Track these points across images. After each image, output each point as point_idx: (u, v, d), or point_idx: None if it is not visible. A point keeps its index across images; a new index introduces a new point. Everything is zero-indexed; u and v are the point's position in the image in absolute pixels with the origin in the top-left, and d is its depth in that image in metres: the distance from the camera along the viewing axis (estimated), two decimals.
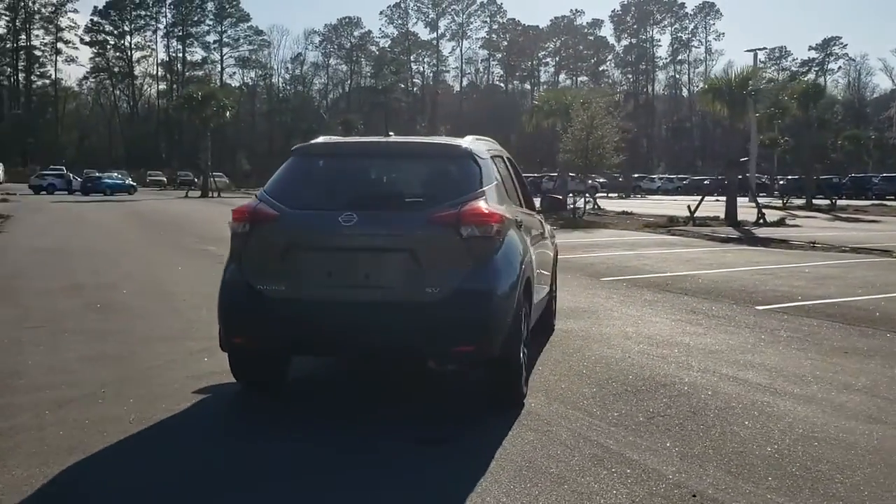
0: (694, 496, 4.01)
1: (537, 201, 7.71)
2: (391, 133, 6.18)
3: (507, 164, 6.73)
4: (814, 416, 5.37)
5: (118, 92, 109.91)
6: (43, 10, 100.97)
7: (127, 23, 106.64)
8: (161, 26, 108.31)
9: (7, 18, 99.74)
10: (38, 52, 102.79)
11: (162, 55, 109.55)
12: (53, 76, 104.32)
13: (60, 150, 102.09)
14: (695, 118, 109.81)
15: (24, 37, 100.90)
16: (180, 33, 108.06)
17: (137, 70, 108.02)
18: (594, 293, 10.83)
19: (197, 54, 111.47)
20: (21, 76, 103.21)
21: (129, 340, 7.49)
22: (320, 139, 6.21)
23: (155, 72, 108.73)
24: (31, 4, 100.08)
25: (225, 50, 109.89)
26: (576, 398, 5.71)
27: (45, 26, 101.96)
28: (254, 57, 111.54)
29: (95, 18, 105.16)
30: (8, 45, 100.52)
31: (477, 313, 5.01)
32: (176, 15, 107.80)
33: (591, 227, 24.04)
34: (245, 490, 4.07)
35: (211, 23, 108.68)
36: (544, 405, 5.54)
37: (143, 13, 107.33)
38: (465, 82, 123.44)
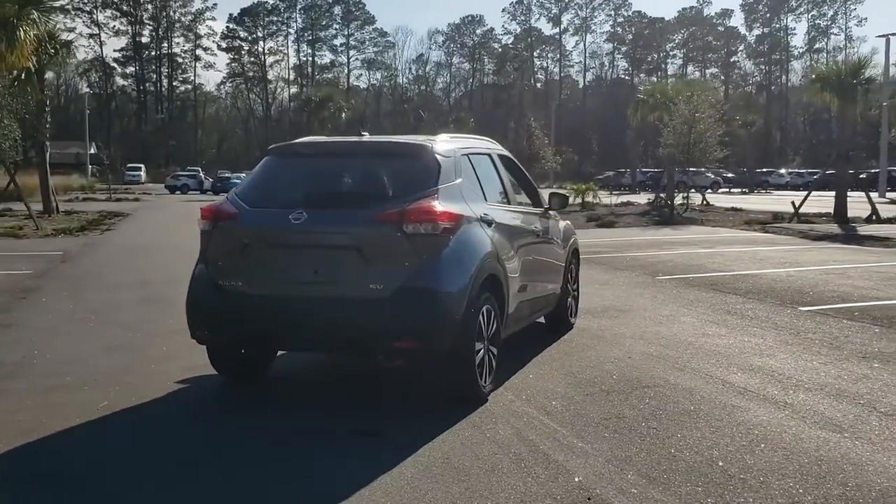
0: (589, 499, 3.93)
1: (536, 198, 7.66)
2: (364, 133, 6.29)
3: (497, 162, 6.70)
4: (778, 422, 5.12)
5: (253, 95, 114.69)
6: (183, 18, 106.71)
7: (260, 29, 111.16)
8: (292, 31, 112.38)
9: (151, 27, 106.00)
10: (179, 59, 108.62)
11: (293, 59, 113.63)
12: (193, 81, 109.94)
13: (201, 152, 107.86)
14: (834, 110, 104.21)
15: (166, 45, 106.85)
16: (310, 37, 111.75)
17: (271, 74, 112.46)
18: (639, 292, 10.60)
19: (325, 57, 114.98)
20: (165, 82, 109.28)
21: (155, 332, 7.92)
22: (300, 140, 6.40)
23: (287, 75, 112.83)
24: (172, 14, 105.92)
25: (351, 52, 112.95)
26: (543, 398, 5.66)
27: (185, 34, 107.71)
28: (379, 58, 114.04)
29: (231, 25, 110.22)
30: (152, 54, 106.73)
31: (418, 310, 5.07)
32: (306, 20, 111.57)
33: (684, 224, 23.38)
34: (165, 477, 4.28)
35: (338, 26, 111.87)
36: (506, 403, 5.52)
37: (275, 19, 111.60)
38: (589, 77, 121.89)
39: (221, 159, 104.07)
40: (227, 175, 58.77)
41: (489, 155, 6.67)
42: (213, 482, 4.19)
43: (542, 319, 7.88)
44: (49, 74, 34.07)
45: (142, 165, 78.78)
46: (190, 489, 4.09)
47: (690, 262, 13.88)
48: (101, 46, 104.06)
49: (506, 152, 7.36)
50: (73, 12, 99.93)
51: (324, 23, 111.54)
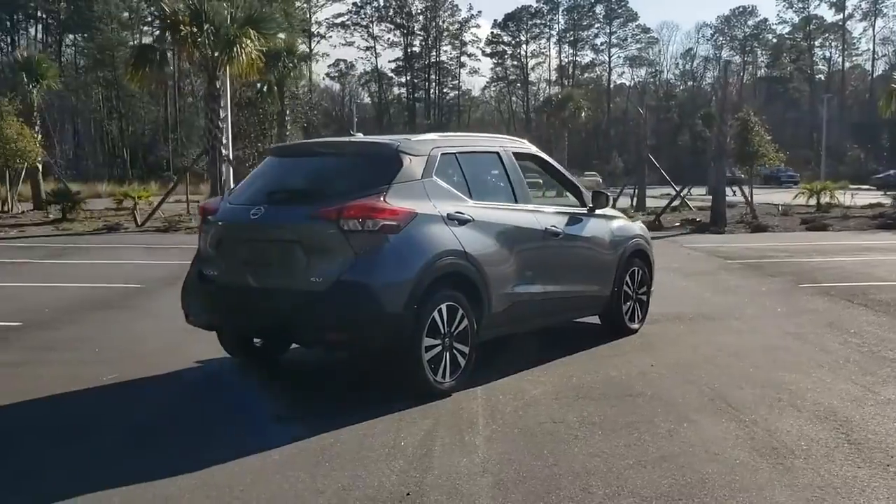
0: (408, 494, 3.95)
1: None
2: (352, 132, 6.54)
3: (507, 161, 6.62)
4: (710, 442, 4.72)
5: (515, 98, 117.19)
6: (451, 27, 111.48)
7: (523, 32, 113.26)
8: (554, 33, 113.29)
9: (421, 38, 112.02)
10: (446, 67, 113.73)
11: (554, 60, 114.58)
12: (459, 87, 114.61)
13: None
14: None
15: (434, 53, 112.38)
16: (571, 38, 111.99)
17: (532, 76, 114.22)
18: (758, 300, 9.85)
19: (587, 57, 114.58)
20: (433, 89, 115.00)
21: None
22: (293, 142, 6.81)
23: (548, 76, 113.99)
24: (441, 24, 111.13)
25: (613, 50, 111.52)
26: (506, 398, 5.59)
27: (452, 42, 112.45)
28: (642, 55, 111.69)
29: (495, 31, 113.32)
30: (422, 63, 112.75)
31: (350, 304, 5.28)
32: (568, 21, 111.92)
33: None
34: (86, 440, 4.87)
35: (599, 25, 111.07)
36: (460, 401, 5.52)
37: (537, 22, 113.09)
38: (881, 66, 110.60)
39: None
40: None
41: (497, 153, 6.64)
42: (147, 441, 4.71)
43: (595, 320, 7.70)
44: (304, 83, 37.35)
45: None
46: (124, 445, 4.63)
47: (859, 270, 12.51)
48: (376, 58, 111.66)
49: (530, 151, 7.26)
50: (351, 27, 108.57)
51: (585, 23, 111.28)
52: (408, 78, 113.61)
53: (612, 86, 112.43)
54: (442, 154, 6.08)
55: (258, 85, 27.60)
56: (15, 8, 76.79)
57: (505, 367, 6.35)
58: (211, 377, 6.35)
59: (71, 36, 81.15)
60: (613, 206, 24.96)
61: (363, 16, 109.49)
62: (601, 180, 68.67)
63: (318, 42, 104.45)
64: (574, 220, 7.16)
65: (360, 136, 6.36)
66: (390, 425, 5.01)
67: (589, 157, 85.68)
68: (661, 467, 4.30)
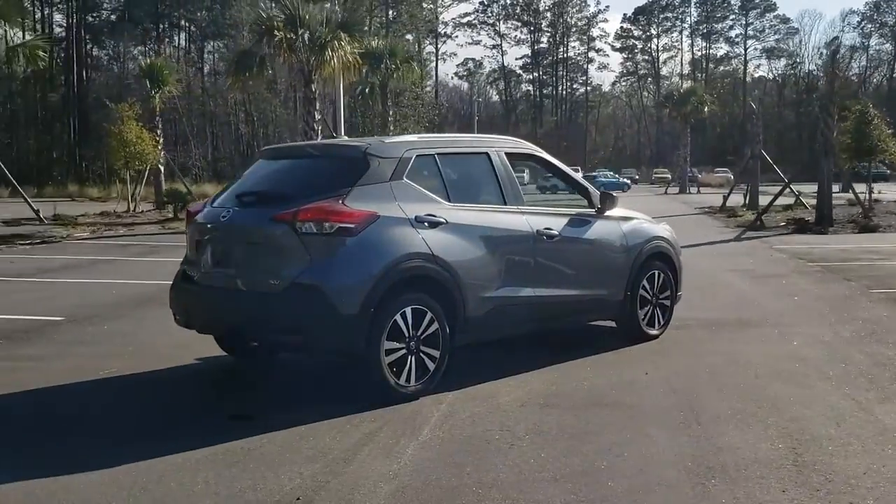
0: (298, 499, 3.97)
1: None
2: (334, 134, 6.59)
3: (497, 163, 6.48)
4: (647, 458, 4.50)
5: (646, 93, 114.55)
6: (578, 23, 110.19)
7: (654, 26, 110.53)
8: (686, 26, 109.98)
9: (549, 34, 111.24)
10: (573, 63, 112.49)
11: (687, 54, 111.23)
12: (586, 83, 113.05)
13: (593, 152, 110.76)
14: None
15: (562, 50, 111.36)
16: (704, 31, 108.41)
17: (664, 70, 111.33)
18: (814, 305, 9.28)
19: (721, 49, 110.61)
20: (562, 86, 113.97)
21: None
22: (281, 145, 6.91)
23: (681, 70, 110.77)
24: (568, 20, 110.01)
25: (749, 42, 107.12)
26: (472, 407, 5.45)
27: (580, 38, 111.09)
28: (780, 46, 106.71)
29: (625, 25, 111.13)
30: (550, 59, 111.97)
31: (303, 306, 5.34)
32: (701, 13, 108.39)
33: None
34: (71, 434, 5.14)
35: (735, 16, 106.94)
36: (420, 407, 5.44)
37: (669, 15, 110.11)
38: None
39: (614, 159, 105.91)
40: (593, 174, 59.84)
41: (486, 154, 6.53)
42: (84, 435, 4.89)
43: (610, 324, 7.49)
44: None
45: (525, 168, 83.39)
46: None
47: None
48: (502, 56, 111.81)
49: (527, 151, 7.13)
50: (478, 26, 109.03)
51: (719, 14, 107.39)
52: (535, 75, 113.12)
53: (748, 79, 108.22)
54: (417, 156, 6.05)
55: (360, 87, 28.12)
56: (160, 17, 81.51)
57: (493, 371, 6.27)
58: (196, 374, 6.55)
59: (212, 43, 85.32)
60: (724, 206, 23.53)
61: (489, 14, 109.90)
62: (731, 175, 66.18)
63: (445, 42, 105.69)
64: (575, 221, 6.96)
65: (342, 139, 6.42)
66: (333, 428, 5.03)
67: (723, 154, 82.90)
68: (574, 482, 4.14)
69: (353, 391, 5.83)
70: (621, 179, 59.71)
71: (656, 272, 7.59)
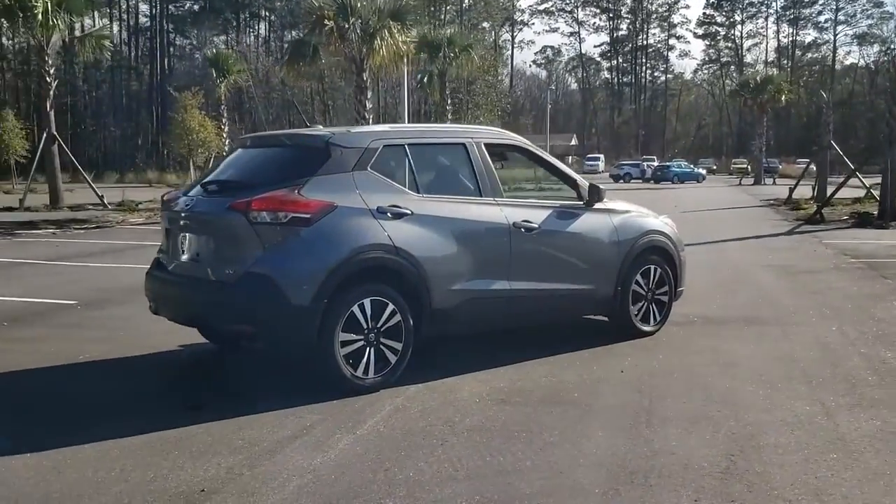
0: (202, 491, 3.99)
1: None
2: (309, 124, 6.57)
3: (475, 154, 6.36)
4: (572, 459, 4.37)
5: (730, 81, 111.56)
6: (659, 9, 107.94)
7: (738, 12, 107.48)
8: (772, 11, 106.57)
9: (628, 21, 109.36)
10: (653, 50, 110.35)
11: (772, 41, 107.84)
12: (666, 71, 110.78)
13: (673, 141, 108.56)
14: None
15: (641, 37, 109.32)
16: (791, 16, 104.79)
17: (748, 58, 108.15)
18: (835, 304, 8.88)
19: (809, 36, 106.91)
20: (642, 74, 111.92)
21: None
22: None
23: (765, 58, 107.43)
24: (649, 6, 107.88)
25: (839, 28, 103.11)
26: (428, 402, 5.38)
27: (661, 24, 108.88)
28: (873, 31, 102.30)
29: (707, 11, 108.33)
30: (628, 47, 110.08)
31: (254, 296, 5.36)
32: None
33: None
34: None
35: (824, 1, 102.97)
36: (374, 400, 5.40)
37: (754, 1, 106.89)
38: None
39: (696, 147, 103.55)
40: (667, 164, 58.68)
41: (463, 145, 6.42)
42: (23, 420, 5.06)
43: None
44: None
45: (601, 156, 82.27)
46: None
47: None
48: (580, 43, 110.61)
49: (511, 142, 6.98)
50: (555, 13, 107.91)
51: (806, 0, 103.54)
52: (614, 63, 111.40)
53: (837, 66, 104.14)
54: (385, 146, 5.99)
55: (419, 75, 28.15)
56: (240, 7, 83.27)
57: (465, 365, 6.21)
58: (170, 361, 6.62)
59: (291, 32, 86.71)
60: (790, 198, 22.64)
61: (567, 1, 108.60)
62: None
63: (521, 30, 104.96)
64: (559, 214, 6.80)
65: (317, 129, 6.41)
66: (275, 419, 5.03)
67: (808, 144, 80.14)
68: (485, 482, 4.05)
69: (315, 382, 5.83)
70: (696, 169, 58.30)
71: (652, 267, 7.37)
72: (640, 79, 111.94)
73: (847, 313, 8.30)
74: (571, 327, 7.55)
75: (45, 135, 23.33)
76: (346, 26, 20.61)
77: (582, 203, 6.97)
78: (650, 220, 7.53)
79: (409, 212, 5.84)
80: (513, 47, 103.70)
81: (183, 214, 5.92)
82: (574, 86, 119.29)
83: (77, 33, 23.78)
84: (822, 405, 5.24)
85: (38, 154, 23.34)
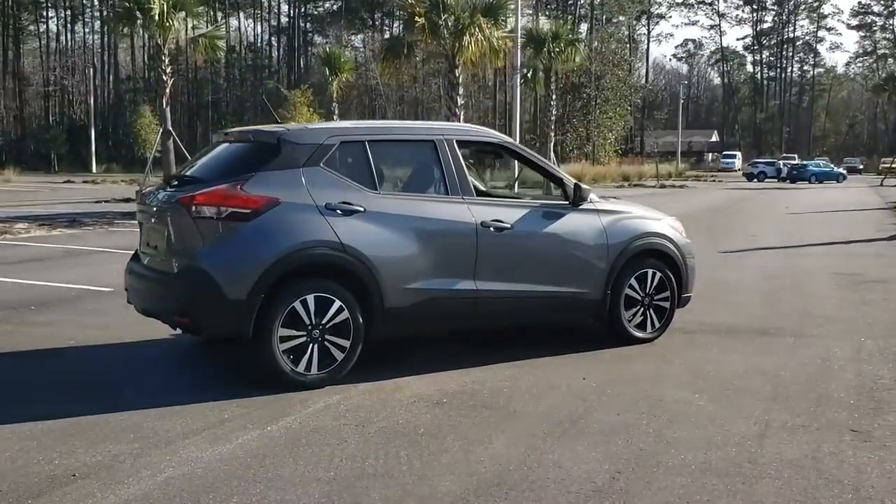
0: (73, 476, 4.10)
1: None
2: (279, 121, 6.61)
3: (445, 151, 6.22)
4: (452, 466, 4.24)
5: (883, 74, 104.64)
6: (808, 0, 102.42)
7: None
8: None
9: (774, 13, 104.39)
10: (801, 43, 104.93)
11: None
12: (814, 64, 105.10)
13: (821, 138, 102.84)
14: None
15: (789, 28, 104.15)
16: None
17: None
18: (879, 317, 8.18)
19: None
20: (788, 67, 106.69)
21: None
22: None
23: None
24: None
25: None
26: (363, 401, 5.35)
27: (809, 16, 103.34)
28: None
29: (864, 0, 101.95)
30: (775, 39, 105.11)
31: (190, 289, 5.51)
32: None
33: None
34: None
35: None
36: (305, 398, 5.38)
37: None
38: None
39: (847, 145, 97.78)
40: (804, 163, 55.63)
41: (432, 142, 6.31)
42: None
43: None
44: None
45: (737, 153, 78.91)
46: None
47: None
48: (720, 36, 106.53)
49: (488, 140, 6.84)
50: (695, 6, 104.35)
51: None
52: (759, 56, 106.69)
53: None
54: (342, 143, 5.99)
55: (523, 71, 27.86)
56: (376, 6, 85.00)
57: (432, 365, 6.17)
58: (149, 349, 6.83)
59: None
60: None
61: None
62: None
63: (657, 23, 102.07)
64: (537, 214, 6.59)
65: (290, 126, 6.46)
66: (199, 411, 5.11)
67: None
68: (343, 485, 3.98)
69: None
70: (836, 169, 54.96)
71: (649, 271, 7.03)
72: (787, 73, 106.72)
73: (882, 328, 7.63)
74: (566, 331, 7.34)
75: (161, 130, 24.65)
76: (439, 22, 20.69)
77: (567, 203, 6.73)
78: (648, 223, 7.17)
79: (361, 209, 5.81)
80: (648, 41, 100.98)
81: (148, 209, 6.13)
82: (717, 80, 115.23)
83: (193, 34, 24.88)
84: (765, 425, 4.86)
85: (154, 149, 24.72)
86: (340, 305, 5.68)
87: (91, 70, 64.63)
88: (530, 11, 37.90)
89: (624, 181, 48.28)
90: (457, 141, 6.44)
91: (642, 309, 7.02)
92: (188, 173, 6.19)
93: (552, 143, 29.09)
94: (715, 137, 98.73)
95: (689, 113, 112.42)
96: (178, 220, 5.67)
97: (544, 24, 30.19)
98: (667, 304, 7.14)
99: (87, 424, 4.87)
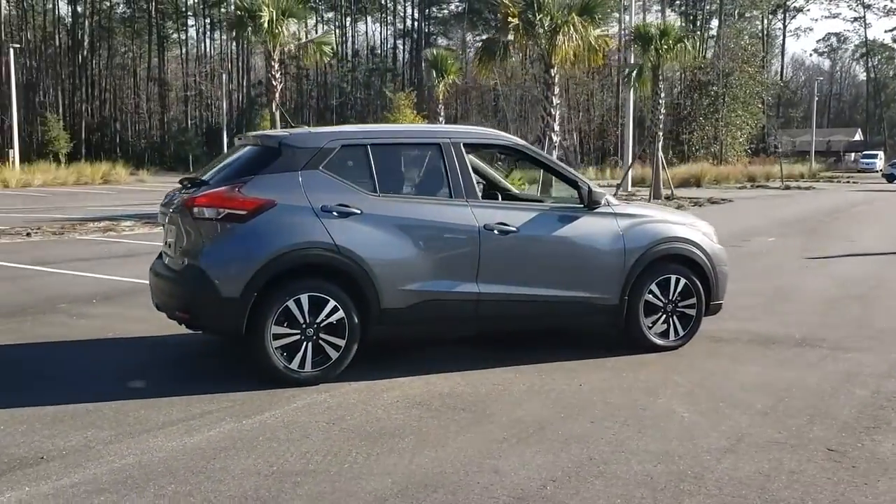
0: (42, 458, 4.40)
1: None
2: (293, 124, 6.77)
3: (451, 155, 6.25)
4: (381, 468, 4.28)
5: None
6: None
7: None
8: None
9: None
10: None
11: None
12: None
13: None
14: None
15: None
16: None
17: None
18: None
19: None
20: None
21: None
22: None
23: None
24: None
25: None
26: (345, 400, 5.46)
27: None
28: None
29: None
30: None
31: (188, 286, 5.80)
32: None
33: None
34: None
35: None
36: (293, 394, 5.53)
37: None
38: None
39: None
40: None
41: (438, 146, 6.34)
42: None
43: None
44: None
45: (879, 153, 74.21)
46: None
47: None
48: (865, 29, 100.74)
49: (499, 142, 6.83)
50: None
51: None
52: None
53: None
54: (343, 146, 6.12)
55: (628, 70, 27.21)
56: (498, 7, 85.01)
57: (435, 366, 6.23)
58: (172, 344, 7.14)
59: None
60: None
61: None
62: None
63: (794, 17, 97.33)
64: (547, 217, 6.54)
65: (295, 130, 6.63)
66: (187, 402, 5.35)
67: None
68: (277, 480, 4.10)
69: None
70: None
71: (673, 277, 6.82)
72: None
73: None
74: (590, 337, 7.23)
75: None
76: (535, 22, 20.57)
77: (582, 206, 6.62)
78: (671, 227, 6.95)
79: (358, 211, 5.92)
80: (785, 36, 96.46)
81: (165, 210, 6.45)
82: (862, 76, 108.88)
83: (303, 38, 25.77)
84: (738, 440, 4.66)
85: None
86: (335, 305, 5.81)
87: (225, 75, 67.64)
88: (658, 8, 36.82)
89: (748, 182, 46.39)
90: (465, 144, 6.46)
91: (665, 316, 6.82)
92: (203, 176, 6.46)
93: (660, 143, 28.32)
94: (858, 136, 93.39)
95: (831, 111, 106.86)
96: (184, 221, 5.95)
97: (652, 21, 29.41)
98: (692, 312, 6.91)
99: (78, 411, 5.19)
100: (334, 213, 5.86)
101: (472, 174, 6.45)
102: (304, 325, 5.76)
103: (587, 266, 6.58)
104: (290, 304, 5.72)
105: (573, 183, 6.74)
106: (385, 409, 5.29)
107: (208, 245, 5.77)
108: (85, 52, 74.76)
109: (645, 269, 6.71)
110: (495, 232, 6.25)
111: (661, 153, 28.27)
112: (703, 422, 4.99)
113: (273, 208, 5.76)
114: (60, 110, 67.91)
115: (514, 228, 6.31)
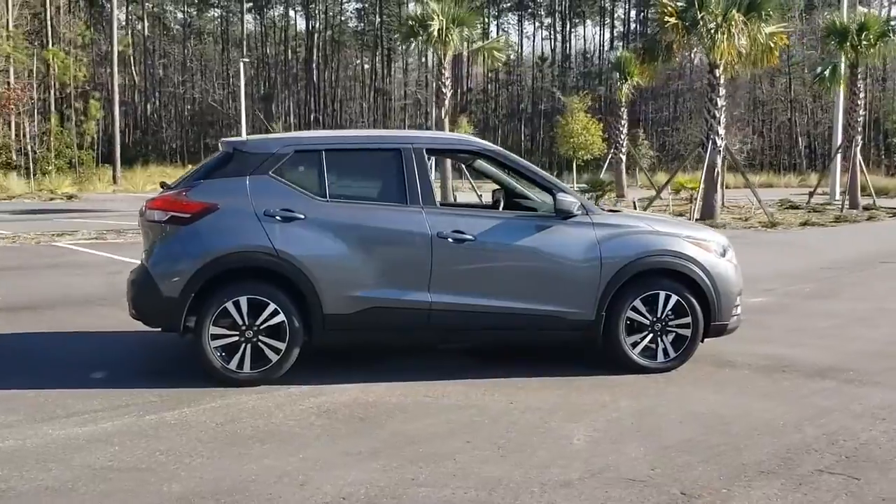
0: None
1: None
2: (272, 127, 6.81)
3: (412, 161, 6.07)
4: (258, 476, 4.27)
5: None
6: None
7: None
8: None
9: None
10: None
11: None
12: None
13: None
14: None
15: None
16: None
17: None
18: None
19: None
20: None
21: None
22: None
23: None
24: None
25: None
26: (259, 405, 5.43)
27: None
28: None
29: None
30: None
31: (134, 287, 6.10)
32: None
33: None
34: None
35: None
36: (226, 393, 5.63)
37: None
38: None
39: None
40: None
41: (398, 151, 6.20)
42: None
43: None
44: None
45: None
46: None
47: None
48: None
49: (469, 147, 6.57)
50: None
51: None
52: None
53: None
54: (296, 152, 6.15)
55: (820, 69, 24.82)
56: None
57: (384, 376, 6.13)
58: (160, 337, 7.14)
59: None
60: None
61: None
62: None
63: None
64: (510, 225, 6.18)
65: (252, 136, 6.73)
66: (117, 396, 5.57)
67: None
68: (131, 482, 4.13)
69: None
70: None
71: (662, 293, 6.23)
72: None
73: None
74: (577, 353, 6.74)
75: None
76: (697, 19, 19.46)
77: (552, 214, 6.22)
78: (662, 239, 6.31)
79: (301, 216, 5.94)
80: None
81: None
82: None
83: (476, 45, 26.07)
84: (589, 475, 4.16)
85: None
86: (275, 308, 5.85)
87: (435, 84, 69.75)
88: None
89: None
90: (428, 149, 6.29)
91: (651, 335, 6.25)
92: (176, 181, 6.77)
93: (857, 147, 25.64)
94: None
95: None
96: (143, 225, 6.28)
97: (851, 14, 26.77)
98: (687, 332, 6.27)
99: (6, 396, 5.55)
100: (277, 218, 5.91)
101: (432, 181, 6.26)
102: (243, 327, 5.84)
103: (554, 278, 6.16)
104: (229, 305, 5.82)
105: (548, 190, 6.34)
106: (286, 415, 5.23)
107: (156, 246, 6.03)
108: (317, 63, 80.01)
109: (626, 284, 6.18)
110: (449, 240, 6.02)
111: (859, 157, 25.62)
112: (612, 456, 4.47)
113: (215, 212, 5.91)
114: (292, 119, 73.20)
115: (470, 237, 6.04)
